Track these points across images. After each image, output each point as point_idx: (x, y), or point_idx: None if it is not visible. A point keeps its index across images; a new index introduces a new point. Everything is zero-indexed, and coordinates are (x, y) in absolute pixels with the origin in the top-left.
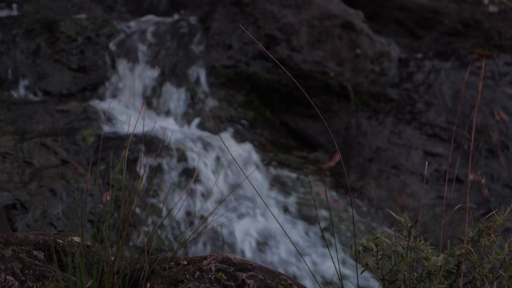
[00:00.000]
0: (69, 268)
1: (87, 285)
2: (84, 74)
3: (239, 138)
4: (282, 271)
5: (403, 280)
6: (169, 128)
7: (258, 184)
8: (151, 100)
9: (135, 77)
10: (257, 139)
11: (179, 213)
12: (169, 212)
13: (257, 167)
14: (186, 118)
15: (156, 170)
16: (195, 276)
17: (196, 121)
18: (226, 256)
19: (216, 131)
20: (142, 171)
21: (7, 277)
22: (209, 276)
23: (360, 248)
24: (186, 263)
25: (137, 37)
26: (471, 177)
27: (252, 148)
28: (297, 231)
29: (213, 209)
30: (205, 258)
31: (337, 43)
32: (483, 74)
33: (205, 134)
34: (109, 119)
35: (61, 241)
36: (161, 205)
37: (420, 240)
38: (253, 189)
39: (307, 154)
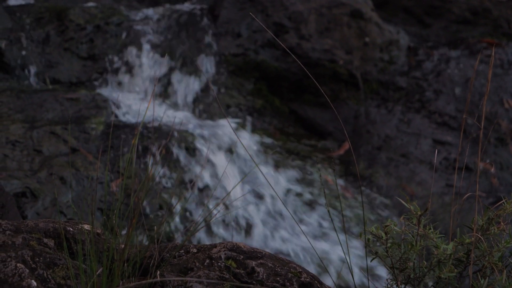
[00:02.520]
0: (79, 255)
1: (97, 273)
2: (93, 62)
3: (248, 126)
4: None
5: (412, 268)
6: (178, 116)
7: (267, 173)
8: (160, 88)
9: (144, 65)
10: (266, 127)
11: (188, 200)
12: (179, 199)
13: (266, 154)
14: (195, 106)
15: (166, 158)
16: (205, 264)
17: (205, 109)
18: (236, 244)
19: (227, 121)
20: (151, 159)
21: (18, 264)
22: (219, 264)
23: (370, 236)
24: (195, 251)
25: (146, 25)
26: (480, 165)
27: (259, 136)
28: (306, 218)
29: (221, 197)
30: (215, 246)
31: (346, 31)
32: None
33: (214, 122)
34: (119, 107)
35: (71, 229)
36: (169, 191)
37: (430, 229)
38: (263, 177)
39: (316, 142)
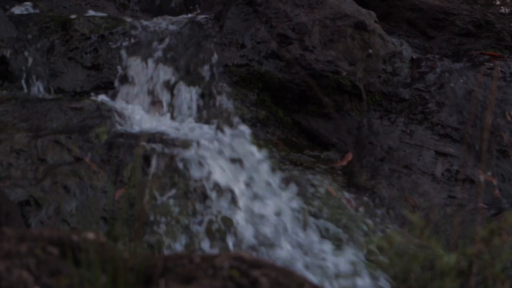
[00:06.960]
0: (83, 264)
1: (101, 281)
2: (97, 72)
3: (252, 136)
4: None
5: (415, 279)
6: (182, 126)
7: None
8: (164, 98)
9: (147, 75)
10: (270, 138)
11: (192, 210)
12: (183, 209)
13: (271, 167)
14: (199, 117)
15: (169, 168)
16: (208, 273)
17: (209, 119)
18: (239, 253)
19: (229, 130)
20: (154, 169)
21: (23, 272)
22: (222, 273)
23: (373, 247)
24: (199, 260)
25: (150, 36)
26: (482, 177)
27: (263, 146)
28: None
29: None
30: (219, 255)
31: (350, 43)
32: (494, 75)
33: (218, 132)
34: (122, 117)
35: (75, 238)
36: (173, 202)
37: (432, 240)
38: (266, 188)
39: (319, 153)
